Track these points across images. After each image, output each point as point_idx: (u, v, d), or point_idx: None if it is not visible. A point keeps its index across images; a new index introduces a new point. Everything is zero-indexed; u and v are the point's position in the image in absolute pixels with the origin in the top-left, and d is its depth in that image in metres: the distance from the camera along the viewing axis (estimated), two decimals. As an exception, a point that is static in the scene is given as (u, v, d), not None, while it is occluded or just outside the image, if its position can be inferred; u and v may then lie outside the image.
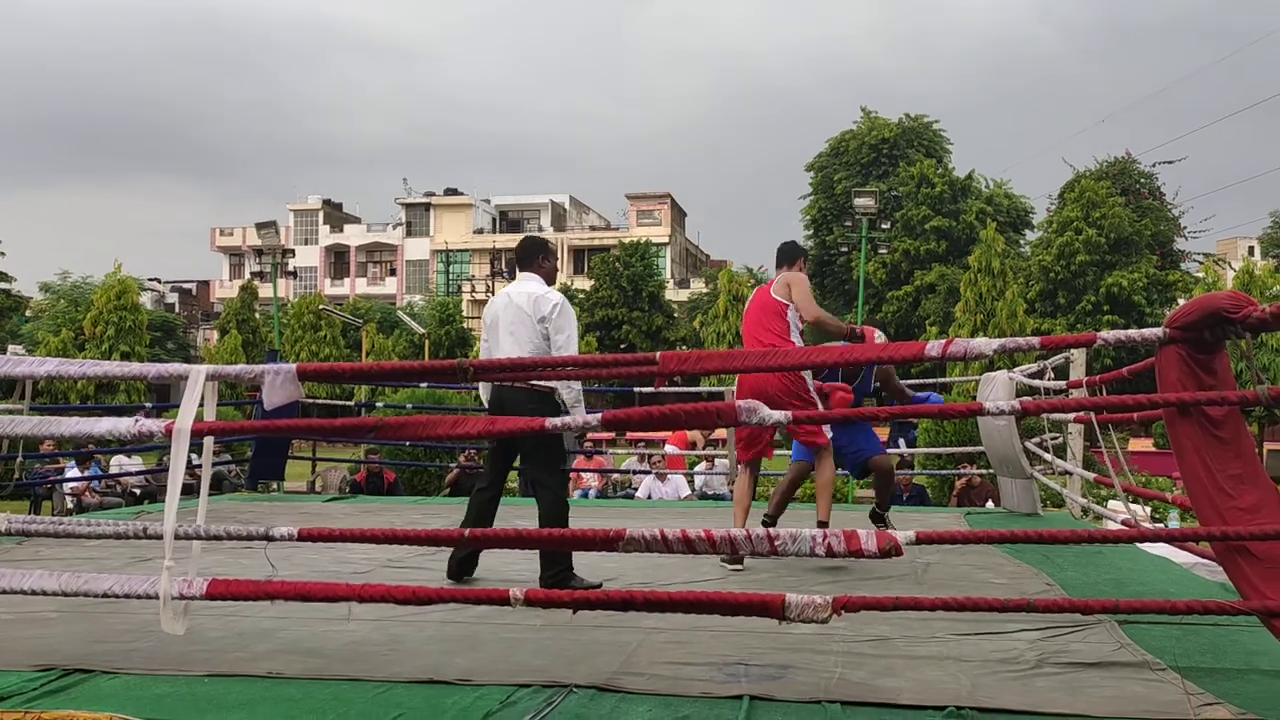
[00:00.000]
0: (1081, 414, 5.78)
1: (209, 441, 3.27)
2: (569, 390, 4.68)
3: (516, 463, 5.35)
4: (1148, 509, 8.51)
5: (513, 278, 5.37)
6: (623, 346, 38.98)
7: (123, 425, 3.24)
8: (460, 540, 2.95)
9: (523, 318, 4.75)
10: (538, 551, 4.53)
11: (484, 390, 5.07)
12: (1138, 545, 5.53)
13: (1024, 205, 37.78)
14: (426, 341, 35.60)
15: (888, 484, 6.08)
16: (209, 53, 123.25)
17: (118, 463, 13.78)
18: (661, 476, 11.68)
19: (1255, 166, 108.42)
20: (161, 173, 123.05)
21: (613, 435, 16.19)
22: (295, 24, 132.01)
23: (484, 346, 5.02)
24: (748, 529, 2.78)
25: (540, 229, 55.49)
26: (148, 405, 12.82)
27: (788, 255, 5.67)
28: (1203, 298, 2.71)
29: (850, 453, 5.93)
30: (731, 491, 11.99)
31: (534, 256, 4.97)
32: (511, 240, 54.08)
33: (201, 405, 3.15)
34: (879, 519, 5.93)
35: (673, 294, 45.37)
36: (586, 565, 4.96)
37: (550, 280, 4.98)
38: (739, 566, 5.08)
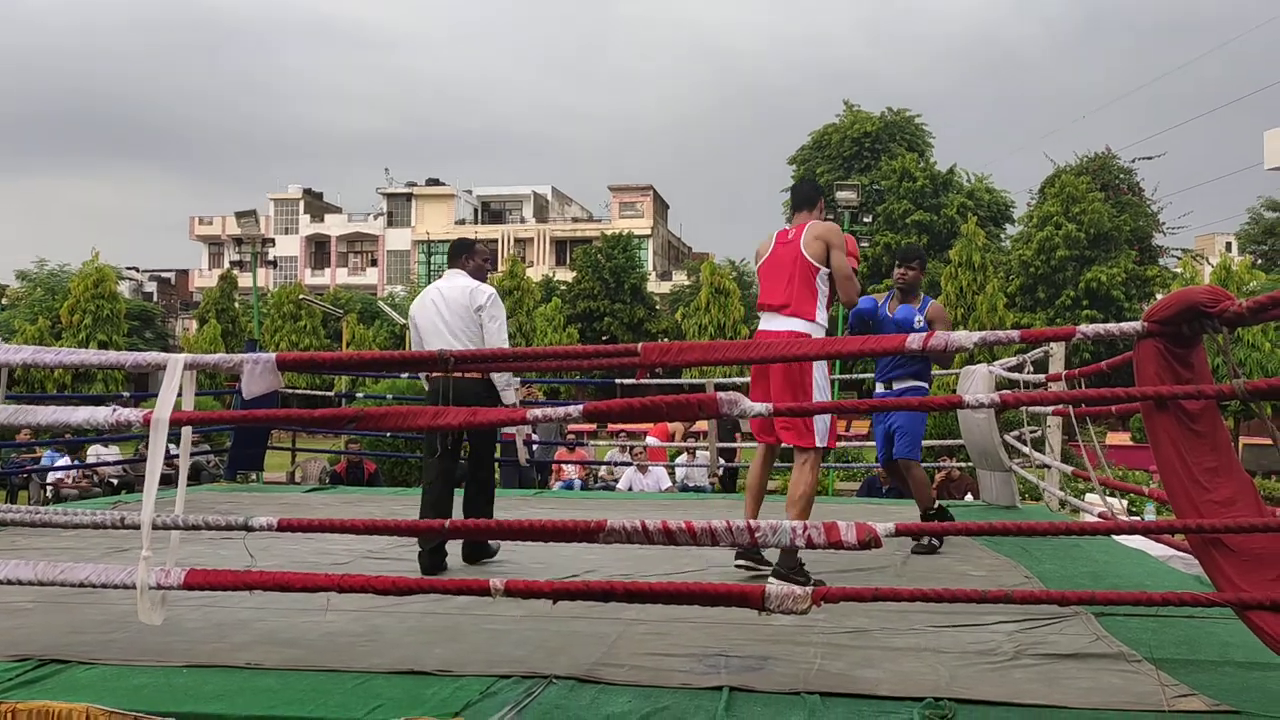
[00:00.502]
0: (1060, 407, 5.81)
1: (187, 431, 3.25)
2: (499, 376, 5.04)
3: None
4: (1124, 502, 8.58)
5: (495, 269, 5.57)
6: (604, 338, 38.97)
7: (100, 414, 3.22)
8: (439, 533, 2.94)
9: (458, 309, 5.06)
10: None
11: (425, 378, 5.46)
12: (1114, 538, 5.58)
13: (1005, 200, 37.91)
14: (407, 332, 35.46)
15: (920, 489, 5.86)
16: (189, 41, 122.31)
17: (95, 452, 13.67)
18: (643, 468, 11.69)
19: (1233, 163, 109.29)
20: (141, 161, 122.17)
21: (594, 427, 16.19)
22: (276, 13, 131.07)
23: (414, 340, 5.27)
24: (728, 520, 2.78)
25: (522, 220, 55.40)
26: (125, 394, 12.72)
27: (808, 197, 4.76)
28: (1180, 292, 2.73)
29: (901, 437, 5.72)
30: (713, 484, 12.07)
31: (459, 255, 5.36)
32: (494, 231, 54.06)
33: (180, 394, 3.12)
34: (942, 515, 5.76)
35: (655, 286, 45.37)
36: (566, 557, 4.97)
37: (479, 277, 5.30)
38: (751, 565, 4.51)
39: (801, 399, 4.35)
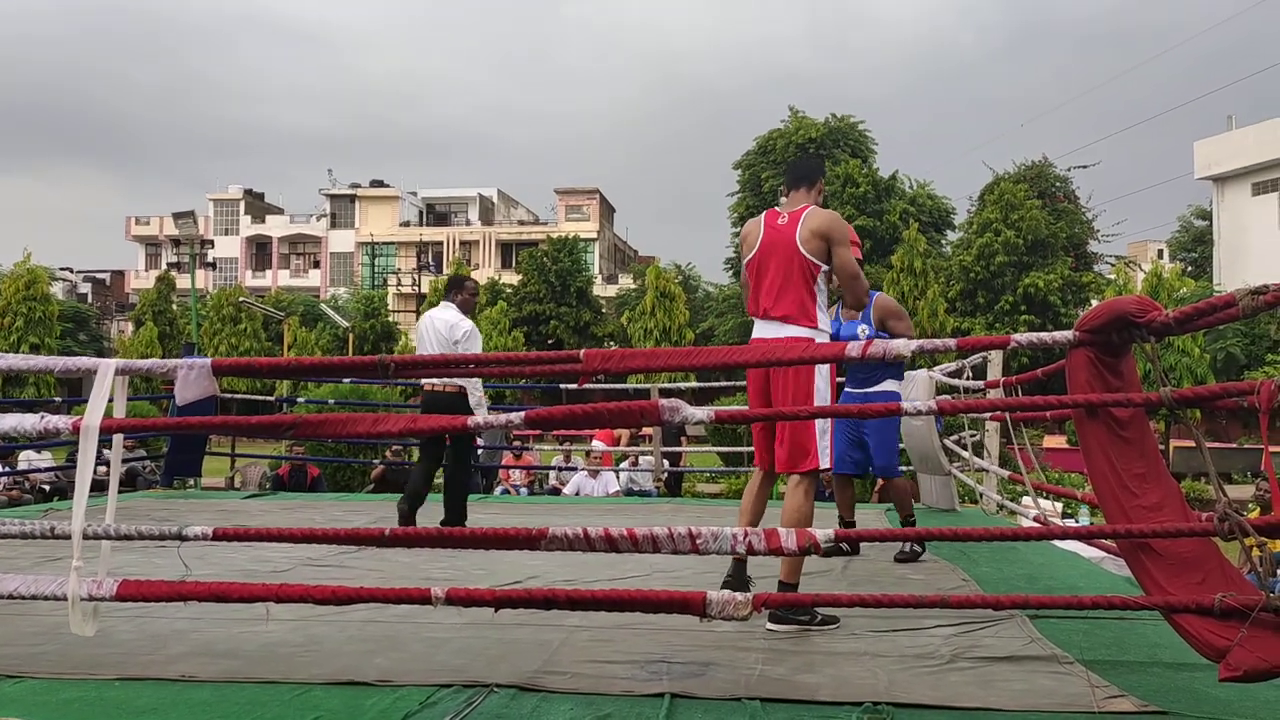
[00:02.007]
0: (997, 413, 5.92)
1: (118, 439, 3.18)
2: (473, 393, 6.16)
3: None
4: (1059, 505, 8.75)
5: (439, 271, 5.87)
6: (550, 342, 38.86)
7: (28, 421, 3.14)
8: (380, 540, 2.92)
9: (441, 338, 6.24)
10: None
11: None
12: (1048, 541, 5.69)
13: (946, 206, 38.52)
14: (351, 335, 35.08)
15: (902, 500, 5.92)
16: (123, 36, 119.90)
17: (26, 458, 13.34)
18: (594, 473, 11.71)
19: (1164, 172, 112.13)
20: (74, 158, 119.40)
21: (539, 432, 16.15)
22: (214, 9, 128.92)
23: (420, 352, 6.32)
24: (669, 527, 2.79)
25: (468, 222, 55.05)
26: (57, 399, 12.42)
27: (806, 173, 4.15)
28: (1110, 302, 2.80)
29: (875, 456, 5.62)
30: (658, 488, 12.11)
31: (450, 290, 6.56)
32: (439, 233, 53.64)
33: (111, 401, 3.06)
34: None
35: (601, 289, 45.34)
36: (509, 563, 4.95)
37: (466, 310, 6.42)
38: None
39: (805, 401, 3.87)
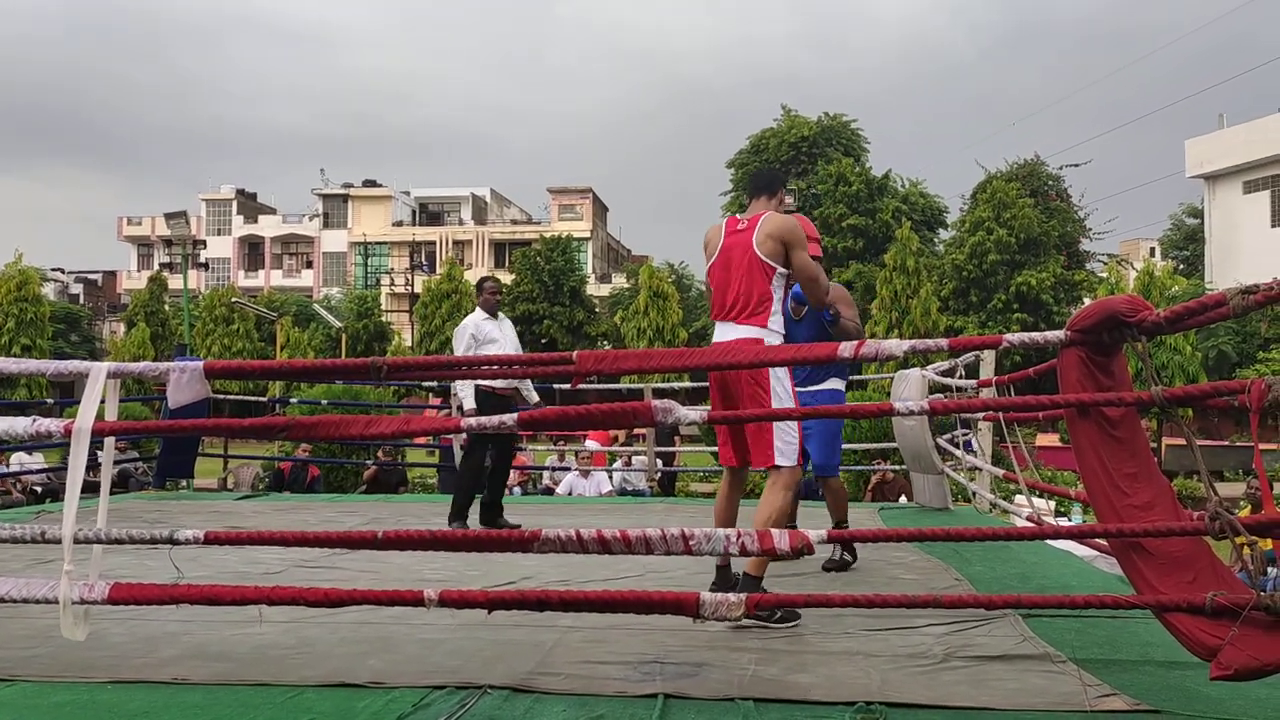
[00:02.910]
0: (989, 413, 5.93)
1: (110, 442, 3.17)
2: (464, 389, 6.71)
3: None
4: (1052, 503, 8.78)
5: (432, 271, 5.94)
6: (544, 342, 38.83)
7: (19, 425, 3.13)
8: (374, 543, 2.91)
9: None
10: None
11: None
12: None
13: (938, 205, 38.61)
14: (344, 335, 35.03)
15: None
16: (115, 36, 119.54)
17: (18, 460, 13.28)
18: (585, 473, 11.70)
19: (1156, 171, 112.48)
20: (66, 158, 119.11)
21: (532, 432, 16.14)
22: (207, 8, 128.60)
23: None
24: (663, 529, 2.79)
25: (461, 222, 55.00)
26: (49, 401, 12.38)
27: (767, 183, 4.23)
28: (1101, 301, 2.80)
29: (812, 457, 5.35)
30: (651, 488, 12.10)
31: (476, 293, 7.39)
32: (432, 233, 53.56)
33: (103, 403, 3.05)
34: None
35: (594, 289, 45.33)
36: (503, 564, 4.95)
37: (487, 309, 6.97)
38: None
39: (764, 400, 3.89)
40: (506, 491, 11.48)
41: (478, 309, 7.04)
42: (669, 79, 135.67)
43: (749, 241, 4.00)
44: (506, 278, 42.92)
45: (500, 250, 53.06)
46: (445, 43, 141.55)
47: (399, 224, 54.80)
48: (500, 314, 7.07)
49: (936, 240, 37.92)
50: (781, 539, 2.67)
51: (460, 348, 6.77)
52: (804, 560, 5.07)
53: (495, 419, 2.92)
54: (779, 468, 3.91)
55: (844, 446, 12.33)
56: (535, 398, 7.17)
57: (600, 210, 55.43)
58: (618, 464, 12.93)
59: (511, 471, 13.20)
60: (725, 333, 4.06)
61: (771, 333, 4.00)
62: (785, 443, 3.90)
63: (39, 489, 13.07)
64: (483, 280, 7.24)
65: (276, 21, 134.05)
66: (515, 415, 2.96)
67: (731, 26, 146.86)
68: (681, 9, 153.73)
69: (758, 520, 3.82)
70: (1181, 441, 18.26)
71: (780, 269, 3.99)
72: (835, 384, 5.49)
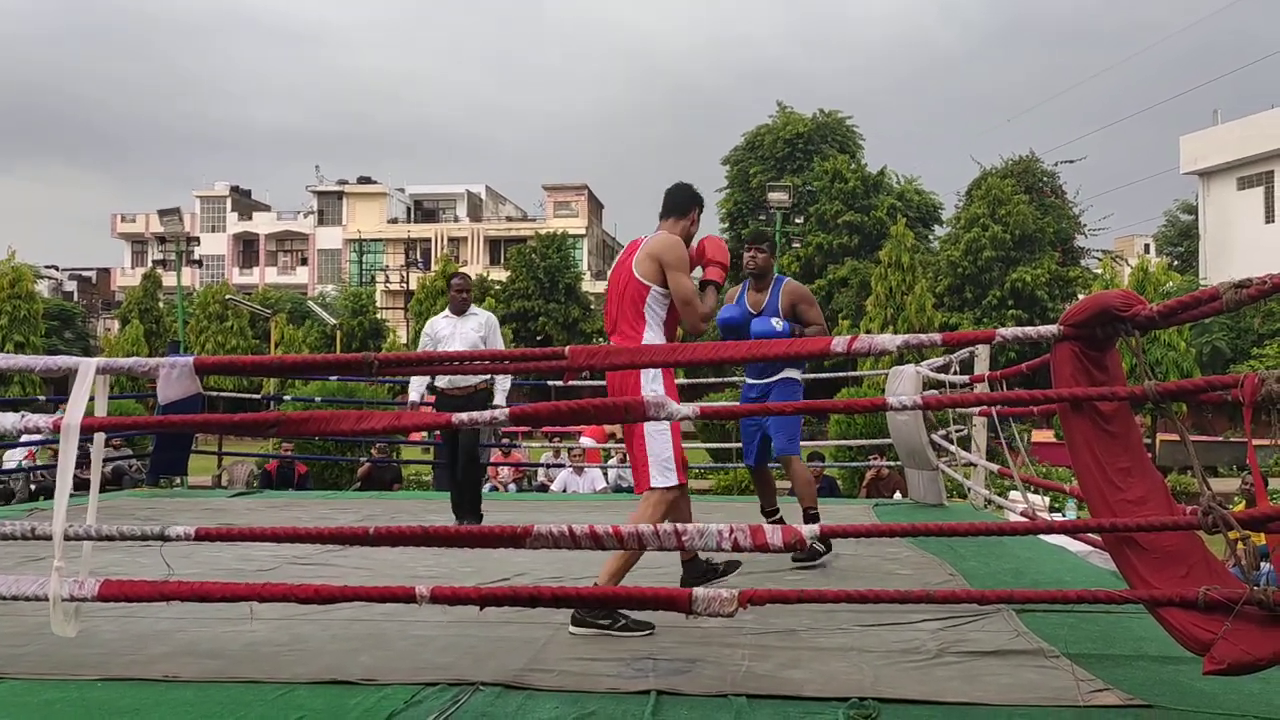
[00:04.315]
0: (983, 408, 5.92)
1: (99, 438, 3.16)
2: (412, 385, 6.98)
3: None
4: (1046, 499, 8.79)
5: (427, 268, 5.87)
6: (539, 338, 38.81)
7: (8, 421, 3.11)
8: (365, 540, 2.90)
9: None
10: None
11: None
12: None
13: (933, 201, 38.56)
14: (339, 332, 34.97)
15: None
16: (109, 35, 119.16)
17: (11, 457, 13.26)
18: (579, 470, 11.69)
19: (1151, 167, 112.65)
20: (59, 156, 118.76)
21: (527, 429, 16.13)
22: (201, 7, 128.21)
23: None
24: (655, 525, 2.78)
25: (456, 219, 54.90)
26: (41, 398, 12.35)
27: (677, 203, 4.07)
28: (1094, 296, 2.79)
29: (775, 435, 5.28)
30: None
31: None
32: (427, 230, 53.47)
33: (93, 399, 3.04)
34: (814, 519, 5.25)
35: (590, 286, 45.26)
36: (497, 561, 4.94)
37: (451, 306, 6.80)
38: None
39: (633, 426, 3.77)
40: (502, 489, 11.36)
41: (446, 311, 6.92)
42: (662, 76, 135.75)
43: (630, 261, 3.92)
44: (502, 275, 42.90)
45: (495, 247, 52.97)
46: (439, 41, 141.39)
47: (394, 221, 54.67)
48: (476, 309, 6.81)
49: (932, 237, 37.90)
50: (774, 534, 2.66)
51: (419, 348, 6.70)
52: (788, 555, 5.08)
53: (487, 414, 2.90)
54: (654, 489, 3.77)
55: (842, 443, 12.44)
56: (415, 397, 6.92)
57: (595, 207, 55.35)
58: (613, 460, 12.92)
59: (506, 469, 13.29)
60: None
61: None
62: (660, 462, 3.76)
63: (33, 486, 13.05)
64: (449, 277, 7.21)
65: (271, 20, 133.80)
66: (507, 410, 2.95)
67: (722, 25, 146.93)
68: (672, 7, 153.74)
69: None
70: (1176, 437, 18.30)
71: (656, 288, 3.84)
72: (791, 373, 5.36)
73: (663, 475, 3.76)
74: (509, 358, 3.20)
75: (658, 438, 3.75)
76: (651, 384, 3.75)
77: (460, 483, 6.72)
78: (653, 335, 3.86)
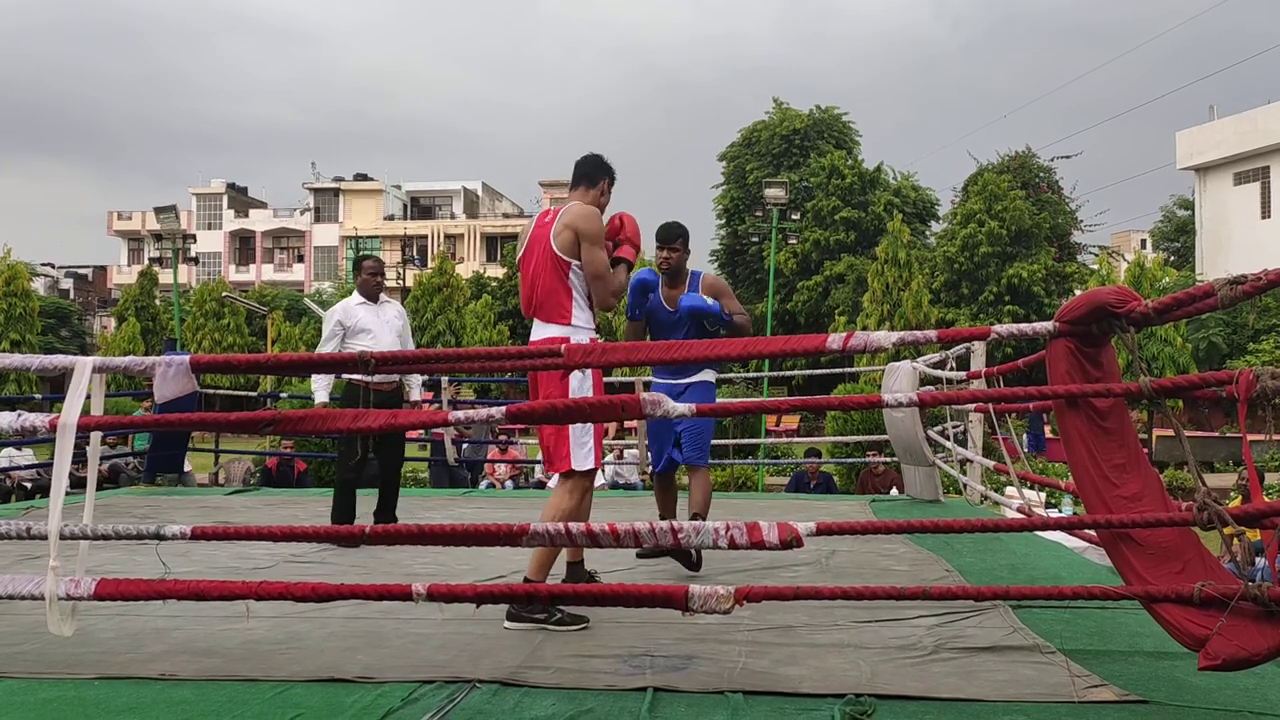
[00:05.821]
0: (979, 405, 5.93)
1: (96, 436, 3.15)
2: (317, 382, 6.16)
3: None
4: (1042, 495, 8.79)
5: (424, 265, 5.67)
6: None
7: (3, 419, 3.11)
8: (362, 538, 2.90)
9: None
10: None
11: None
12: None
13: (930, 197, 38.58)
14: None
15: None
16: (105, 32, 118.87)
17: (7, 455, 13.23)
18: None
19: (1147, 163, 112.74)
20: (55, 154, 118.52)
21: (524, 426, 16.16)
22: (196, 4, 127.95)
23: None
24: (651, 522, 2.78)
25: (452, 216, 54.88)
26: (37, 396, 12.33)
27: (586, 173, 4.02)
28: (1089, 293, 2.80)
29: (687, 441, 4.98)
30: (644, 481, 12.09)
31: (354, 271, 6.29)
32: (423, 227, 53.43)
33: (89, 398, 3.03)
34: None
35: (586, 282, 45.23)
36: (494, 558, 4.94)
37: (362, 291, 6.08)
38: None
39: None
40: (498, 486, 11.33)
41: (354, 292, 6.12)
42: (658, 72, 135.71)
43: (548, 234, 3.83)
44: (498, 271, 42.86)
45: (492, 243, 52.96)
46: (435, 38, 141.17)
47: (390, 218, 54.64)
48: (386, 298, 6.15)
49: (928, 233, 37.92)
50: (770, 531, 2.66)
51: (324, 335, 5.96)
52: (808, 552, 5.08)
53: (484, 412, 2.90)
54: (573, 472, 3.77)
55: (840, 440, 12.45)
56: (417, 395, 6.41)
57: (592, 203, 55.28)
58: (609, 458, 12.92)
59: (503, 466, 13.28)
60: (536, 332, 3.89)
61: (577, 329, 3.82)
62: (581, 445, 3.76)
63: (29, 484, 13.03)
64: (360, 258, 6.11)
65: (265, 17, 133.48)
66: (504, 408, 2.95)
67: (716, 21, 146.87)
68: (667, 3, 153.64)
69: (543, 516, 3.67)
70: (1172, 433, 18.31)
71: (575, 263, 3.80)
72: (708, 375, 5.11)
73: (583, 458, 3.76)
74: (506, 355, 3.20)
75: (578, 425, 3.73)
76: (584, 380, 3.75)
77: (388, 484, 6.07)
78: (580, 313, 3.82)
